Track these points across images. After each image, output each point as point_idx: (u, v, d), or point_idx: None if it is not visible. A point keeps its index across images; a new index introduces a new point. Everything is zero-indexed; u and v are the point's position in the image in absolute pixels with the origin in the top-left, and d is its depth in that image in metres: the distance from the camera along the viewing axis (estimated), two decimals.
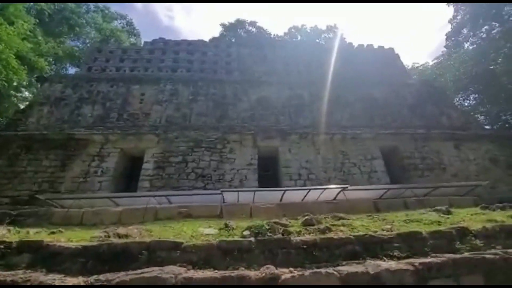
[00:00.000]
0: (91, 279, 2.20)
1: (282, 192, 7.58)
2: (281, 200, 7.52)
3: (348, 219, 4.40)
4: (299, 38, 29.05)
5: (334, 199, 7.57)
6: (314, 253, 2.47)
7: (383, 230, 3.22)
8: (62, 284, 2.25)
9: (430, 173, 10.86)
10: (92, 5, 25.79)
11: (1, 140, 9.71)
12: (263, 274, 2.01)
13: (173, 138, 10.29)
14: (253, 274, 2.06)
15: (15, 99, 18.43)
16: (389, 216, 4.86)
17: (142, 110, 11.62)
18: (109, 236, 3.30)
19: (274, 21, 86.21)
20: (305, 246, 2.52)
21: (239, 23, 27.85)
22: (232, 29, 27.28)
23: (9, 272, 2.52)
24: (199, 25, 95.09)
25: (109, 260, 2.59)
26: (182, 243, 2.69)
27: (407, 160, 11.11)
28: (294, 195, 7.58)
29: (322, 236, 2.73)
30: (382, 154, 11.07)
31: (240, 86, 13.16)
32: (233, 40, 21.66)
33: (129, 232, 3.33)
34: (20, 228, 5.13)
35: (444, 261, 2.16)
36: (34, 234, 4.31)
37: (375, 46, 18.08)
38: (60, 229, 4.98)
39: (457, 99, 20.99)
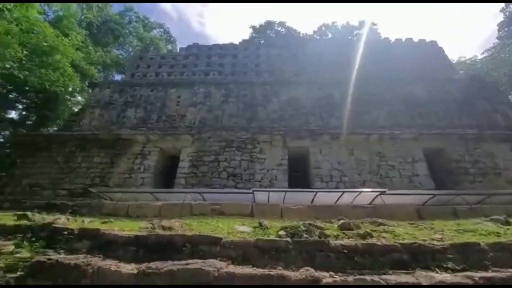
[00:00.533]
0: (143, 266, 2.41)
1: (314, 193, 7.40)
2: (312, 201, 7.36)
3: (389, 226, 4.13)
4: (329, 36, 28.09)
5: (370, 203, 7.17)
6: (355, 258, 2.38)
7: (432, 239, 2.96)
8: (117, 270, 2.50)
9: (483, 178, 9.64)
10: (133, 16, 28.31)
11: (60, 139, 11.11)
12: (303, 276, 2.00)
13: (206, 138, 10.73)
14: (292, 274, 2.06)
15: (70, 103, 20.95)
16: (436, 225, 4.46)
17: (179, 112, 12.36)
18: (154, 228, 3.58)
19: (304, 20, 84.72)
20: (345, 251, 2.43)
21: (269, 24, 27.95)
22: (262, 30, 27.51)
23: (72, 256, 2.88)
24: (229, 29, 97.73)
25: (157, 249, 2.81)
26: (221, 238, 2.80)
27: (455, 163, 10.02)
28: (326, 197, 7.36)
29: (364, 242, 2.61)
30: (425, 156, 10.15)
31: (270, 87, 13.20)
32: (262, 41, 21.82)
33: (172, 225, 3.58)
34: (76, 217, 5.85)
35: (510, 276, 1.91)
36: (89, 223, 4.86)
37: (415, 40, 16.67)
38: (110, 219, 5.56)
39: None
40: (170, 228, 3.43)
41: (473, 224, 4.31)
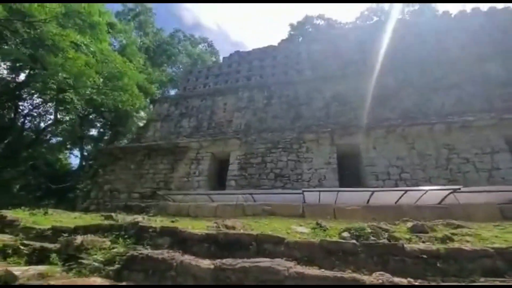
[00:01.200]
0: (217, 262, 2.68)
1: (370, 193, 6.93)
2: (368, 202, 6.90)
3: (470, 228, 3.63)
4: (374, 19, 25.80)
5: (440, 203, 6.35)
6: (438, 265, 2.18)
7: None
8: (197, 264, 2.83)
9: None
10: (181, 35, 31.55)
11: (132, 150, 12.94)
12: (380, 281, 1.94)
13: (252, 141, 11.10)
14: (366, 278, 2.01)
15: (136, 118, 24.25)
16: None
17: (226, 118, 13.13)
18: (219, 227, 3.92)
19: (344, 7, 79.61)
20: (424, 256, 2.25)
21: (307, 20, 27.26)
22: (300, 27, 27.02)
23: (158, 251, 3.35)
24: (267, 31, 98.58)
25: (226, 247, 3.08)
26: (285, 238, 2.90)
27: None
28: (384, 197, 6.81)
29: (447, 246, 2.37)
30: (508, 146, 8.47)
31: (313, 84, 12.87)
32: (301, 38, 21.42)
33: (234, 224, 3.86)
34: (150, 217, 6.74)
35: None
36: (160, 221, 5.54)
37: (484, 9, 14.01)
38: (176, 218, 6.26)
39: None
40: (233, 227, 3.70)
41: None
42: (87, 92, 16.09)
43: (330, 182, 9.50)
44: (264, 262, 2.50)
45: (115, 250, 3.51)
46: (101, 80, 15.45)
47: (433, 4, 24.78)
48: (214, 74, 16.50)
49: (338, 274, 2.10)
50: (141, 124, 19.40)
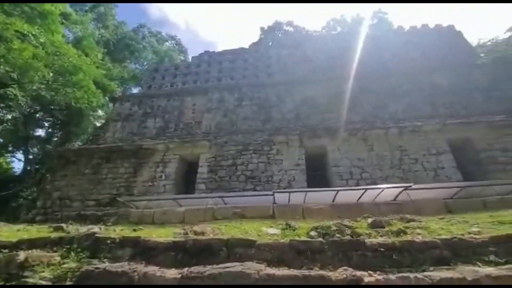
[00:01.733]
0: (185, 270, 2.54)
1: (335, 192, 7.32)
2: (333, 200, 7.29)
3: (420, 221, 4.04)
4: (338, 29, 27.64)
5: (395, 199, 7.00)
6: (394, 257, 2.37)
7: (469, 233, 2.88)
8: (162, 275, 2.65)
9: None
10: (147, 31, 29.73)
11: (87, 153, 11.75)
12: (344, 276, 2.03)
13: (222, 143, 10.93)
14: (332, 274, 2.09)
15: (92, 117, 22.12)
16: (468, 218, 4.31)
17: (195, 119, 12.71)
18: (187, 233, 3.74)
19: (311, 17, 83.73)
20: (382, 249, 2.43)
21: (277, 25, 28.03)
22: (270, 31, 27.62)
23: (117, 264, 3.06)
24: (237, 33, 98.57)
25: (195, 254, 2.94)
26: (256, 241, 2.89)
27: (483, 153, 9.51)
28: (347, 196, 7.26)
29: (401, 239, 2.59)
30: (450, 147, 9.73)
31: (283, 87, 13.22)
32: (271, 43, 21.93)
33: (204, 229, 3.72)
34: (108, 226, 6.16)
35: None
36: (120, 231, 5.09)
37: (431, 26, 16.01)
38: (139, 226, 5.82)
39: None
40: (202, 233, 3.57)
41: (508, 216, 4.11)
42: (34, 87, 14.20)
43: (299, 183, 9.81)
44: (235, 266, 2.44)
45: (66, 265, 3.15)
46: (52, 74, 13.77)
47: (390, 19, 27.48)
48: (182, 73, 15.90)
49: (306, 272, 2.15)
50: (98, 124, 17.75)
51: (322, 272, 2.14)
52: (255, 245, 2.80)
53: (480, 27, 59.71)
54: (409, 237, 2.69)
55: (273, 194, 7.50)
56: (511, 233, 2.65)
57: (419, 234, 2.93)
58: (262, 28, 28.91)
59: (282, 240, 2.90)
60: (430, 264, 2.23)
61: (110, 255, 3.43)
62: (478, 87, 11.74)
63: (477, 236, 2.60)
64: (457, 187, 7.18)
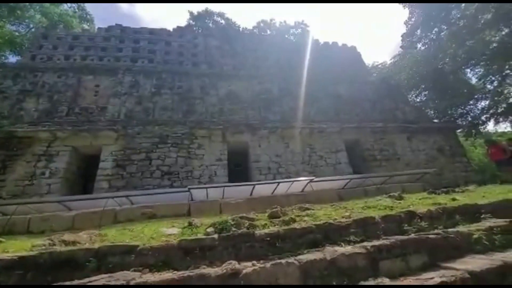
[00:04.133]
0: None
1: (252, 186, 7.59)
2: (251, 194, 7.53)
3: (313, 209, 4.55)
4: (268, 32, 29.12)
5: (302, 191, 7.82)
6: (277, 244, 2.48)
7: (342, 217, 3.39)
8: None
9: (387, 163, 11.86)
10: None
11: None
12: (224, 270, 1.94)
13: (134, 134, 9.60)
14: (213, 271, 1.98)
15: None
16: (349, 204, 5.15)
17: (97, 104, 10.57)
18: (54, 244, 2.92)
19: (243, 13, 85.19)
20: (268, 239, 2.51)
21: (207, 14, 26.75)
22: (200, 19, 26.08)
23: None
24: (163, 13, 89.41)
25: (51, 270, 2.28)
26: (138, 246, 2.49)
27: (367, 151, 11.96)
28: (264, 189, 7.65)
29: (285, 227, 2.76)
30: (345, 146, 11.75)
31: (208, 79, 12.76)
32: (200, 30, 20.83)
33: (78, 238, 2.99)
34: None
35: (393, 243, 2.32)
36: None
37: (339, 44, 18.94)
38: (1, 238, 4.33)
39: (410, 95, 23.04)
40: (74, 243, 2.85)
41: (375, 201, 5.17)
42: None
43: (220, 178, 9.71)
44: (100, 279, 2.00)
45: None
46: None
47: (311, 32, 30.95)
48: (83, 45, 13.04)
49: (186, 273, 1.96)
50: None
51: (203, 270, 2.00)
52: (135, 251, 2.41)
53: (377, 50, 75.65)
54: (295, 225, 2.91)
55: (188, 191, 7.09)
56: (368, 216, 3.25)
57: (305, 221, 3.24)
58: (191, 13, 27.11)
59: (170, 241, 2.62)
60: (305, 248, 2.45)
61: None
62: (368, 99, 14.67)
63: (345, 220, 3.06)
64: (346, 179, 8.68)
